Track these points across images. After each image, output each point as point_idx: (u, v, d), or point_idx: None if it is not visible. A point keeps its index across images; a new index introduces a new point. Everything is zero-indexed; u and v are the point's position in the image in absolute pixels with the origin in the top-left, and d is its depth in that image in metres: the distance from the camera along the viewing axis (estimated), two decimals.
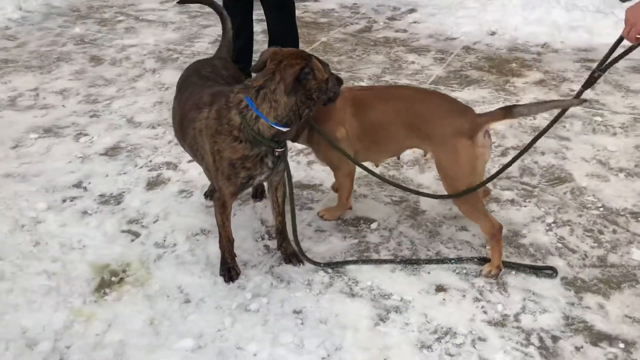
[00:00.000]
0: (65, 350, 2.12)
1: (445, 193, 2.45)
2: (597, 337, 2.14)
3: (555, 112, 2.37)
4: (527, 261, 2.50)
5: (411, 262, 2.49)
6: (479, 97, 3.99)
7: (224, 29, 2.92)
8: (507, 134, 3.50)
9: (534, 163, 3.20)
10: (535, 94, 3.99)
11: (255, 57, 4.56)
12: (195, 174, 3.19)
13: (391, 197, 2.96)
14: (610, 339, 2.13)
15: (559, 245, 2.59)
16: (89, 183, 3.15)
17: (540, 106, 2.44)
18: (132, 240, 2.70)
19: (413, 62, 4.60)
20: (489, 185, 2.74)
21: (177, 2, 3.29)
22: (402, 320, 2.22)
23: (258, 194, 2.94)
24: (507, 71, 4.39)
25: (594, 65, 4.43)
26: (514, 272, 2.43)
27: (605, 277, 2.41)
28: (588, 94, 4.00)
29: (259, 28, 5.04)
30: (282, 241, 2.53)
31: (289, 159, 2.43)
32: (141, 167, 3.29)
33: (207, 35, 5.37)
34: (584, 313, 2.24)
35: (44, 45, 5.11)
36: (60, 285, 2.43)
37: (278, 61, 2.10)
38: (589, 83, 2.25)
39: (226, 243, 2.43)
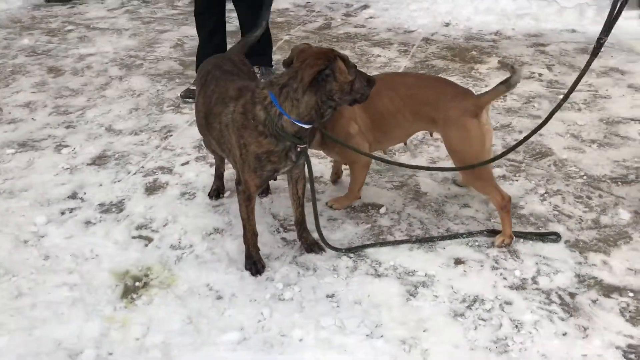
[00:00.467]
0: (109, 356, 2.10)
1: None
2: (608, 290, 2.34)
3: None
4: (530, 229, 2.68)
5: (426, 240, 2.62)
6: None
7: (256, 27, 2.95)
8: None
9: (515, 141, 3.41)
10: (500, 79, 4.19)
11: None
12: (193, 176, 3.19)
13: (392, 182, 3.08)
14: (620, 290, 2.33)
15: (555, 212, 2.80)
16: (85, 193, 3.09)
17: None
18: (146, 245, 2.68)
19: (379, 56, 4.75)
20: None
21: None
22: (431, 294, 2.34)
23: (263, 190, 2.98)
24: (469, 59, 4.63)
25: (547, 49, 4.76)
26: (521, 241, 2.60)
27: (603, 236, 2.63)
28: (547, 75, 4.29)
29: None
30: (302, 232, 2.59)
31: None
32: (135, 174, 3.25)
33: (166, 40, 5.31)
34: (591, 270, 2.44)
35: None
36: (84, 295, 2.39)
37: (302, 60, 2.14)
38: (597, 50, 2.34)
39: (251, 236, 2.46)
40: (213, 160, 3.31)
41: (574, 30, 5.08)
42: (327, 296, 2.35)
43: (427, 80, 2.74)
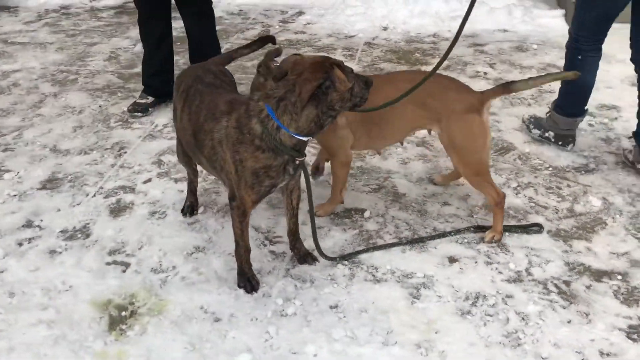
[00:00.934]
0: None
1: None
2: (598, 275, 2.43)
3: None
4: (512, 223, 2.74)
5: (417, 241, 2.60)
6: None
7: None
8: None
9: None
10: None
11: (179, 65, 4.40)
12: (158, 194, 3.01)
13: (369, 185, 3.05)
14: (609, 274, 2.43)
15: (532, 204, 2.88)
16: (41, 220, 2.82)
17: (536, 80, 2.62)
18: (124, 271, 2.48)
19: None
20: None
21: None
22: (434, 294, 2.33)
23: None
24: (415, 61, 4.71)
25: (485, 48, 4.93)
26: (507, 234, 2.65)
27: (580, 224, 2.74)
28: (492, 73, 4.44)
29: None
30: (295, 242, 2.50)
31: None
32: (94, 196, 3.01)
33: (98, 53, 5.01)
34: (578, 257, 2.52)
35: None
36: (66, 331, 2.17)
37: (299, 73, 2.02)
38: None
39: (244, 252, 2.34)
40: (177, 176, 3.15)
41: (505, 30, 5.31)
42: (331, 307, 2.28)
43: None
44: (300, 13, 6.02)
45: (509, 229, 2.67)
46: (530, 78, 2.58)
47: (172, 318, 2.23)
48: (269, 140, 2.07)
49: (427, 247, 2.59)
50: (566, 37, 3.33)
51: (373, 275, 2.43)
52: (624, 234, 2.66)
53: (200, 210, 2.87)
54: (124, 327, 2.20)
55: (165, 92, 3.97)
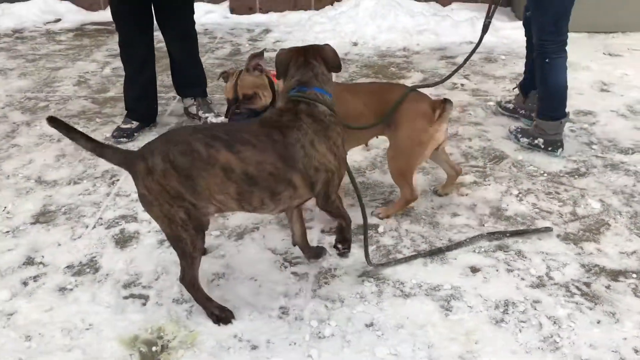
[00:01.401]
0: None
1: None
2: (613, 274, 2.52)
3: None
4: (522, 228, 2.82)
5: (439, 252, 2.64)
6: None
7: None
8: None
9: (470, 148, 3.58)
10: (429, 91, 4.42)
11: (166, 89, 4.29)
12: None
13: (376, 200, 3.07)
14: (624, 273, 2.53)
15: (536, 210, 2.97)
16: (43, 257, 2.68)
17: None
18: (144, 304, 2.39)
19: None
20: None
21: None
22: (465, 305, 2.35)
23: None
24: (391, 74, 4.78)
25: (455, 60, 5.17)
26: (521, 241, 2.72)
27: (585, 226, 2.84)
28: (469, 84, 4.57)
29: None
30: (306, 243, 2.61)
31: None
32: (95, 227, 2.88)
33: (65, 78, 4.83)
34: (592, 259, 2.62)
35: None
36: None
37: (301, 53, 2.25)
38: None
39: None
40: None
41: (471, 42, 5.47)
42: (367, 325, 2.26)
43: (389, 86, 3.06)
44: (267, 31, 6.01)
45: (522, 233, 2.75)
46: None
47: (207, 349, 2.15)
48: (333, 111, 2.25)
49: (447, 258, 2.62)
50: None
51: (401, 291, 2.44)
52: (628, 233, 2.78)
53: (216, 233, 2.80)
54: None
55: (149, 116, 3.87)
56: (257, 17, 6.33)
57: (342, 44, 5.50)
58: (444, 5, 6.32)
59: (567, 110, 3.47)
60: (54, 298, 2.42)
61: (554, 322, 2.26)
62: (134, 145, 3.68)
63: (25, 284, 2.51)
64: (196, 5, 3.93)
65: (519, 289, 2.44)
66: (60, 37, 5.98)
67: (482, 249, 2.68)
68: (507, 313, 2.31)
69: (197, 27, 6.11)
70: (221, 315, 2.28)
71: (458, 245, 2.68)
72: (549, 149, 3.46)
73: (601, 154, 3.48)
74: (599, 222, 2.87)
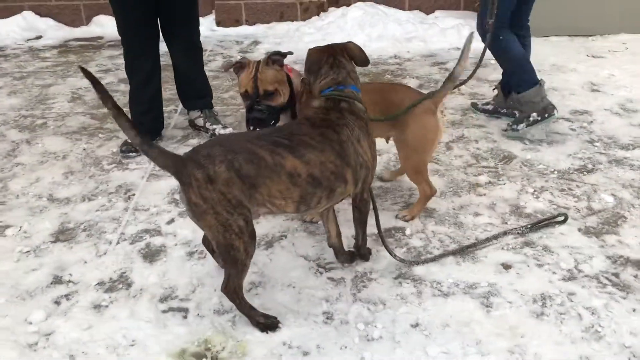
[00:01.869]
0: None
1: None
2: (639, 265, 2.61)
3: None
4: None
5: (467, 248, 2.69)
6: None
7: None
8: None
9: (478, 150, 3.66)
10: None
11: (166, 102, 4.24)
12: (189, 233, 2.88)
13: (397, 203, 3.10)
14: None
15: (554, 206, 3.05)
16: (70, 275, 2.62)
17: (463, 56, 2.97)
18: (185, 317, 2.36)
19: None
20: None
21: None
22: (504, 301, 2.40)
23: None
24: (388, 82, 4.85)
25: (447, 66, 5.29)
26: (545, 236, 2.80)
27: (603, 220, 2.94)
28: (466, 89, 4.67)
29: None
30: (341, 245, 2.65)
31: None
32: (118, 243, 2.84)
33: (58, 95, 4.75)
34: (615, 250, 2.70)
35: None
36: None
37: (332, 51, 2.36)
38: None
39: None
40: None
41: (458, 48, 5.60)
42: (412, 326, 2.28)
43: (393, 86, 3.15)
44: (256, 42, 6.03)
45: (538, 223, 2.83)
46: (460, 59, 2.95)
47: (259, 358, 2.14)
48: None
49: (477, 257, 2.67)
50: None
51: (439, 290, 2.47)
52: None
53: None
54: None
55: (156, 130, 3.84)
56: (244, 29, 6.34)
57: None
58: (427, 13, 6.47)
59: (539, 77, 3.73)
60: (91, 316, 2.37)
61: (592, 313, 2.33)
62: (144, 159, 3.63)
63: (57, 303, 2.45)
64: None
65: (552, 283, 2.50)
66: (44, 54, 5.87)
67: (510, 246, 2.74)
68: (546, 306, 2.37)
69: None
70: (267, 323, 2.27)
71: (491, 239, 2.75)
72: (546, 115, 3.63)
73: (604, 151, 3.60)
74: (615, 215, 2.97)
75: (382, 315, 2.34)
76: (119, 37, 3.66)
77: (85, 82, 4.99)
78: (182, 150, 2.96)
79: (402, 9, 6.40)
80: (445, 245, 2.77)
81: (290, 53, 2.68)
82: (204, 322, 2.33)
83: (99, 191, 3.30)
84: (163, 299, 2.46)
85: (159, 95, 3.81)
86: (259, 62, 2.61)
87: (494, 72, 4.99)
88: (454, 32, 5.76)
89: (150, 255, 2.75)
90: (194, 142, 3.88)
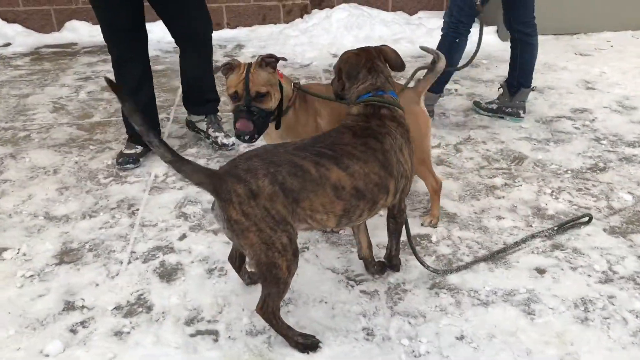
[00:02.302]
0: None
1: None
2: None
3: None
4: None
5: (498, 254, 2.62)
6: None
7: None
8: None
9: (487, 151, 3.60)
10: None
11: (162, 107, 4.04)
12: (204, 249, 2.73)
13: (417, 209, 3.01)
14: None
15: (575, 207, 3.01)
16: (83, 299, 2.43)
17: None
18: (216, 340, 2.20)
19: None
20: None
21: None
22: (546, 307, 2.33)
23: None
24: None
25: (437, 65, 5.14)
26: (572, 238, 2.75)
27: (626, 218, 2.91)
28: (462, 89, 4.62)
29: None
30: (372, 256, 2.54)
31: None
32: (130, 263, 2.65)
33: (39, 105, 4.48)
34: None
35: None
36: None
37: (369, 55, 2.26)
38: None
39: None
40: (213, 228, 2.88)
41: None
42: (457, 338, 2.19)
43: None
44: (240, 46, 5.87)
45: (564, 225, 2.79)
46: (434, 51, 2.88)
47: None
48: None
49: (510, 262, 2.60)
50: (505, 51, 3.82)
51: (478, 299, 2.39)
52: None
53: None
54: None
55: None
56: (226, 33, 6.16)
57: (321, 56, 5.44)
58: (411, 14, 6.42)
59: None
60: (113, 344, 2.19)
61: (637, 316, 2.28)
62: (143, 171, 3.45)
63: (73, 331, 2.26)
64: (159, 24, 3.62)
65: (589, 286, 2.45)
66: (16, 62, 5.57)
67: (540, 250, 2.68)
68: (589, 311, 2.31)
69: (164, 45, 5.97)
70: (307, 343, 2.14)
71: (515, 244, 2.68)
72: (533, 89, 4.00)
73: (612, 149, 3.60)
74: (637, 214, 2.95)
75: (424, 328, 2.24)
76: (95, 43, 3.47)
77: (65, 91, 4.79)
78: None
79: (386, 9, 6.33)
80: (474, 251, 2.69)
81: (284, 59, 2.59)
82: (237, 344, 2.18)
83: (100, 207, 3.10)
84: (189, 322, 2.30)
85: (153, 103, 3.60)
86: (250, 64, 2.52)
87: (486, 72, 4.99)
88: (440, 33, 5.72)
89: (167, 274, 2.58)
90: (193, 151, 3.71)
